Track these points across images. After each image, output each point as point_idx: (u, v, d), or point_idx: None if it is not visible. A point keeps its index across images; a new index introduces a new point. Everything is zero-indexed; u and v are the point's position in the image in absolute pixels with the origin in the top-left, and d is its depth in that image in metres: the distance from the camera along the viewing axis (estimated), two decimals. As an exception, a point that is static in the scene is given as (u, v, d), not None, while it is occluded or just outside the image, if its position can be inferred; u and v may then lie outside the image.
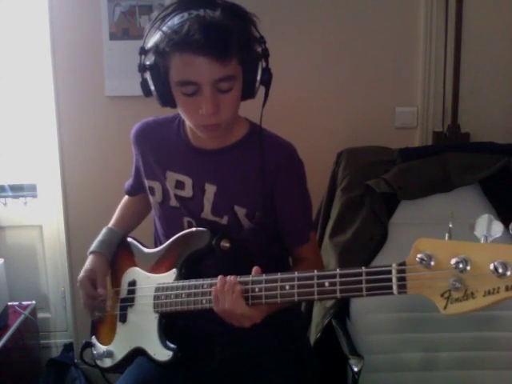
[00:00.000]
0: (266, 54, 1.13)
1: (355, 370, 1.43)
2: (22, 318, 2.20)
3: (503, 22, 2.06)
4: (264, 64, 1.13)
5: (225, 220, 1.22)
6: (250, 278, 1.06)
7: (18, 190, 2.40)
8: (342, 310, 1.63)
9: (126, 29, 2.04)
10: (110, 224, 1.41)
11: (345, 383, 1.58)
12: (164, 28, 1.05)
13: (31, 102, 2.27)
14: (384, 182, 1.66)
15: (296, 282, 1.00)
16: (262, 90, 1.17)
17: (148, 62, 1.10)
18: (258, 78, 1.13)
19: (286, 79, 2.02)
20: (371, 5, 2.06)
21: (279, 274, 1.03)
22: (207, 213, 1.23)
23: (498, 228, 0.80)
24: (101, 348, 1.32)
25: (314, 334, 1.68)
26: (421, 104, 2.11)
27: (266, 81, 1.15)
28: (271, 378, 1.24)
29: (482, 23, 2.05)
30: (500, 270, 0.76)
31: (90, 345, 1.36)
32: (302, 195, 1.26)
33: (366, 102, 2.11)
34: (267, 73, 1.14)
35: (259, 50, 1.12)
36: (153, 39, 1.08)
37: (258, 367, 1.25)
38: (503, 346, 1.61)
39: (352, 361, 1.47)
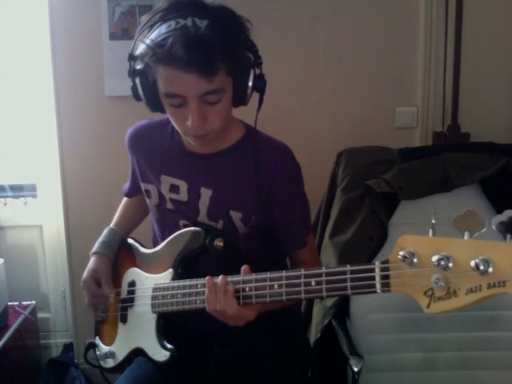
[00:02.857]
0: (258, 62, 1.10)
1: (355, 370, 1.43)
2: (22, 318, 2.20)
3: (503, 22, 2.06)
4: (257, 71, 1.10)
5: (220, 224, 1.22)
6: (240, 278, 1.05)
7: (18, 190, 2.40)
8: (342, 309, 1.63)
9: (125, 29, 2.04)
10: (112, 224, 1.42)
11: (345, 383, 1.58)
12: (148, 41, 1.02)
13: (31, 102, 2.27)
14: (384, 182, 1.66)
15: (284, 282, 1.00)
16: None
17: (138, 67, 1.07)
18: (250, 85, 1.10)
19: (286, 79, 2.02)
20: (371, 5, 2.06)
21: (268, 273, 1.03)
22: (203, 217, 1.22)
23: (480, 223, 0.77)
24: (103, 349, 1.32)
25: (313, 334, 1.68)
26: (421, 104, 2.11)
27: (260, 88, 1.12)
28: (270, 379, 1.24)
29: (482, 23, 2.05)
30: (481, 267, 0.74)
31: (93, 345, 1.36)
32: (298, 198, 1.24)
33: (365, 102, 2.11)
34: (260, 80, 1.11)
35: (251, 57, 1.09)
36: (140, 48, 1.05)
37: (257, 367, 1.25)
38: (503, 345, 1.61)
39: (352, 361, 1.47)
